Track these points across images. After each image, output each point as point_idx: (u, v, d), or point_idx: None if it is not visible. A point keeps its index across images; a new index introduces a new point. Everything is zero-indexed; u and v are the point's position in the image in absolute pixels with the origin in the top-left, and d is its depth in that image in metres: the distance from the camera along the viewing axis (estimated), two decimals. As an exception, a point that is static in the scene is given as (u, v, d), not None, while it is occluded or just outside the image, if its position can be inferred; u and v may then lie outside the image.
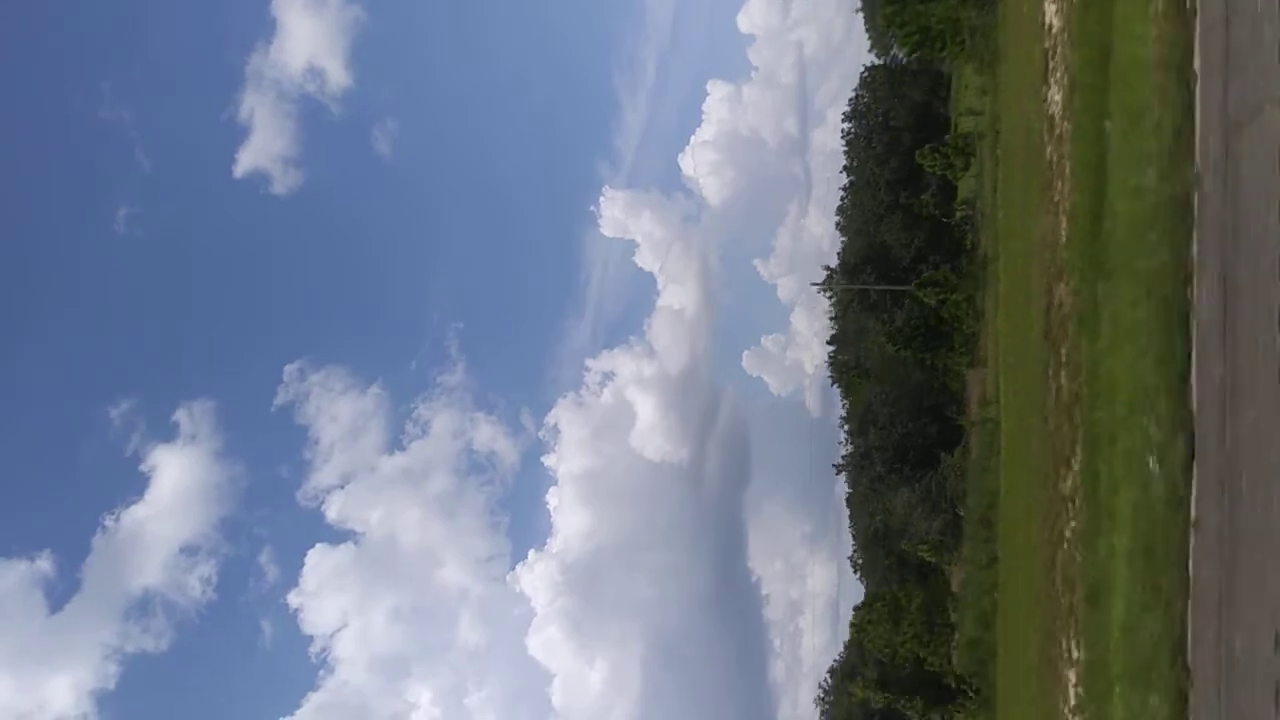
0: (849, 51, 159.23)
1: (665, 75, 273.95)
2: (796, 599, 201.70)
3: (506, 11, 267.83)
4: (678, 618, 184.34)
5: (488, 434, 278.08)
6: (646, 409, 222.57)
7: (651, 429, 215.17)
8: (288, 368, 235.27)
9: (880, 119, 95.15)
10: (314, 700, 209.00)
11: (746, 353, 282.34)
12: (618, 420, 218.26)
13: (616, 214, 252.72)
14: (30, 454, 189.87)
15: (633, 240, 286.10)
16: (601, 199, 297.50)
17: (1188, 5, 26.97)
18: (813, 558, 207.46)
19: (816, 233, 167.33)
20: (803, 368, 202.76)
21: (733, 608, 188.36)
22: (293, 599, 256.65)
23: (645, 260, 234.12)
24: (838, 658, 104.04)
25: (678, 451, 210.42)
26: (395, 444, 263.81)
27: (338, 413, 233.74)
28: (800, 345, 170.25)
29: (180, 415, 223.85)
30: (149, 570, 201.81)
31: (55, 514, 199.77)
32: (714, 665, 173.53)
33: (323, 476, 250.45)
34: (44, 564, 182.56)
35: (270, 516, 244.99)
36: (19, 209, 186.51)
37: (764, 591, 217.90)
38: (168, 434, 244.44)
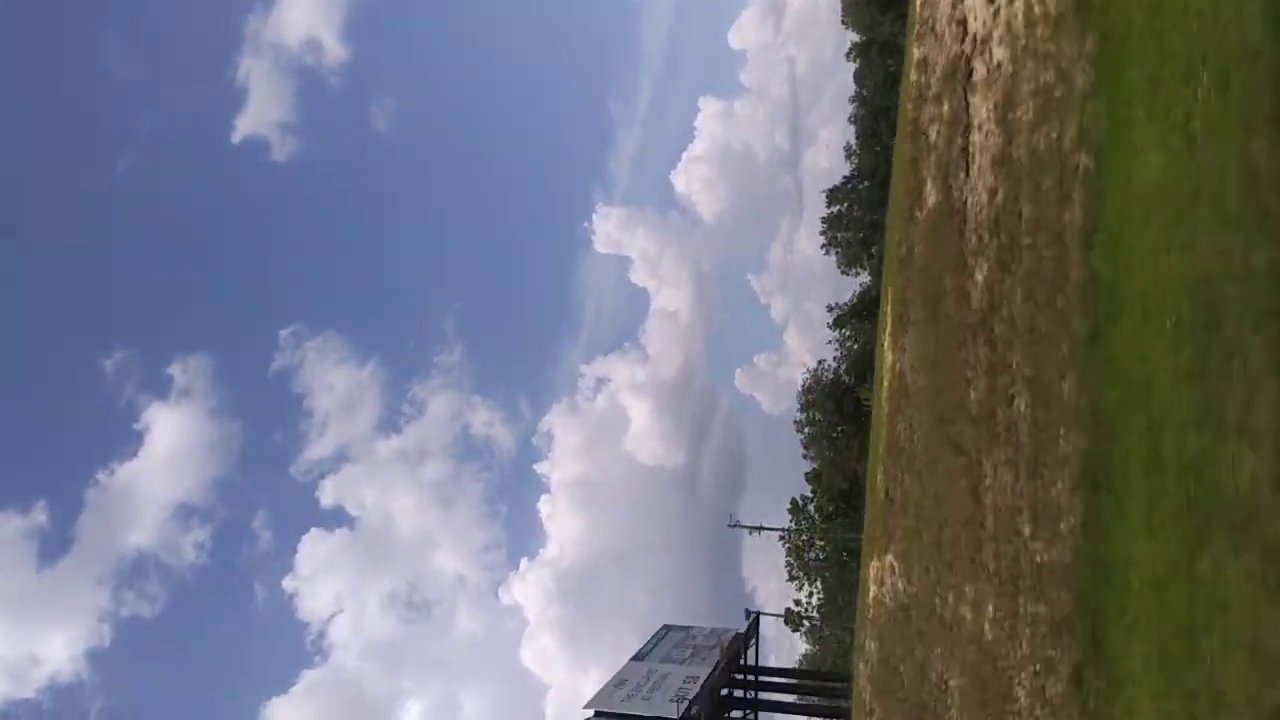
0: (839, 74, 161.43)
1: (658, 91, 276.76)
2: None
3: (502, 40, 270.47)
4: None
5: (484, 418, 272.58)
6: (640, 413, 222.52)
7: (646, 433, 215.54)
8: (283, 332, 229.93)
9: None
10: (308, 678, 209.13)
11: (739, 370, 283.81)
12: (611, 425, 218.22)
13: (611, 230, 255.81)
14: (25, 402, 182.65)
15: (627, 257, 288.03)
16: (595, 215, 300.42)
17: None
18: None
19: (808, 253, 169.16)
20: (796, 386, 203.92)
21: (728, 619, 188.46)
22: (288, 583, 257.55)
23: (640, 276, 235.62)
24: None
25: (672, 456, 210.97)
26: (391, 425, 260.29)
27: (334, 382, 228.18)
28: (793, 363, 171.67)
29: (175, 369, 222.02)
30: (143, 529, 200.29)
31: (50, 465, 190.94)
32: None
33: (318, 449, 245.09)
34: (38, 516, 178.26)
35: (266, 482, 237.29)
36: (16, 154, 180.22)
37: (759, 602, 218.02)
38: (162, 388, 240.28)
